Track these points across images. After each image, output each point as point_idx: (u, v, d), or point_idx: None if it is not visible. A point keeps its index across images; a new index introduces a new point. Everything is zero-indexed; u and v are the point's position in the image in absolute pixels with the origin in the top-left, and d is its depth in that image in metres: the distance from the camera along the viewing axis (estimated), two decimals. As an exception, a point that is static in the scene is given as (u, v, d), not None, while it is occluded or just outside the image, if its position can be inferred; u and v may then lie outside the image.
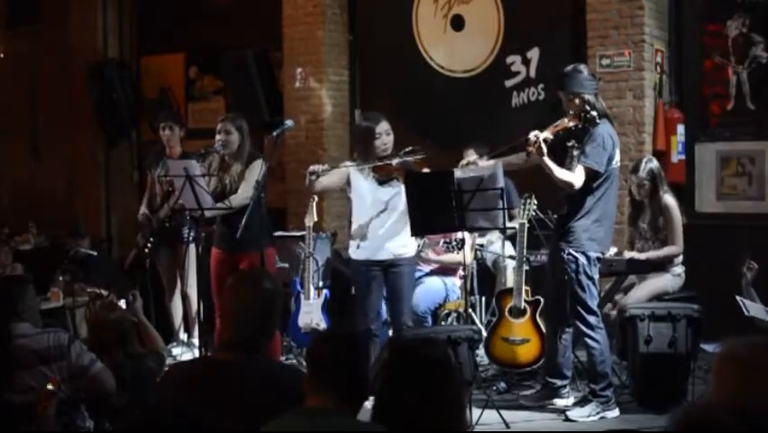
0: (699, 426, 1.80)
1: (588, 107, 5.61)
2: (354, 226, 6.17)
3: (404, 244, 6.05)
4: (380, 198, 6.02)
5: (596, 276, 5.79)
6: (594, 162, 5.61)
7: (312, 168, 6.00)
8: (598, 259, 5.80)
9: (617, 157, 5.79)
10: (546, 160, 5.55)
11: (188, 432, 2.13)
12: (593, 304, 5.75)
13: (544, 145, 5.51)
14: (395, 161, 5.90)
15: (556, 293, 5.88)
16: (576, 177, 5.60)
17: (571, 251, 5.70)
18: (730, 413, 1.78)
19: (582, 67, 5.89)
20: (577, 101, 5.69)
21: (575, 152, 5.65)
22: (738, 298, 5.79)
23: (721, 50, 7.70)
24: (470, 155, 7.36)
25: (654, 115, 7.75)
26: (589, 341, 5.74)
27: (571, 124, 5.67)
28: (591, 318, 5.73)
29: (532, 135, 5.54)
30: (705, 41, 7.81)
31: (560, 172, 5.61)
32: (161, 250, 7.63)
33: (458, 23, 8.85)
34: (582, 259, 5.69)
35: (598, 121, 5.61)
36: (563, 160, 5.68)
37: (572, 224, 5.71)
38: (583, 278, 5.69)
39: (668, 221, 6.42)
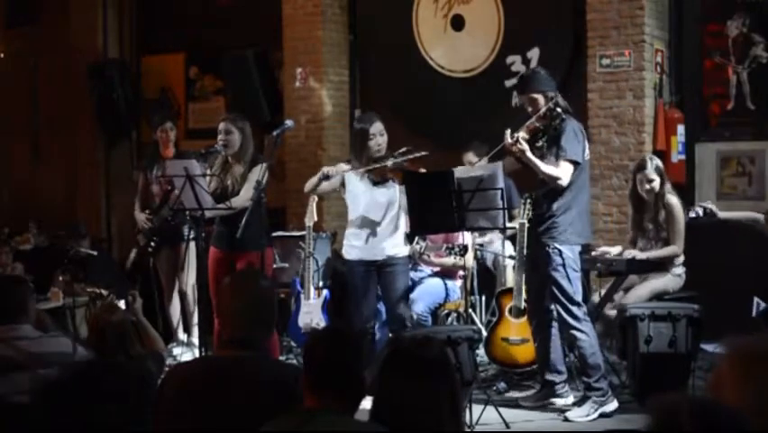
0: (661, 422, 1.79)
1: (552, 105, 5.67)
2: (349, 227, 6.20)
3: (398, 245, 6.12)
4: (376, 198, 6.05)
5: (579, 270, 5.83)
6: (574, 154, 5.69)
7: (326, 169, 6.09)
8: (581, 252, 5.88)
9: (587, 150, 5.88)
10: (529, 155, 5.62)
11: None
12: (578, 297, 5.79)
13: (524, 142, 5.57)
14: (389, 163, 5.93)
15: (540, 290, 5.92)
16: (562, 171, 5.66)
17: (557, 245, 5.74)
18: (692, 415, 1.76)
19: (539, 68, 5.96)
20: (541, 99, 5.74)
21: (545, 151, 5.72)
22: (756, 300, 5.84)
23: (721, 50, 7.70)
24: (470, 157, 7.38)
25: (654, 115, 7.75)
26: (576, 333, 5.74)
27: (540, 124, 5.72)
28: (577, 311, 5.75)
29: (508, 137, 5.59)
30: (705, 41, 7.81)
31: (546, 167, 5.67)
32: (162, 250, 7.63)
33: (458, 23, 8.84)
34: (568, 252, 5.74)
35: (564, 117, 5.70)
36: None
37: (556, 219, 5.76)
38: (570, 271, 5.73)
39: (671, 220, 6.40)
